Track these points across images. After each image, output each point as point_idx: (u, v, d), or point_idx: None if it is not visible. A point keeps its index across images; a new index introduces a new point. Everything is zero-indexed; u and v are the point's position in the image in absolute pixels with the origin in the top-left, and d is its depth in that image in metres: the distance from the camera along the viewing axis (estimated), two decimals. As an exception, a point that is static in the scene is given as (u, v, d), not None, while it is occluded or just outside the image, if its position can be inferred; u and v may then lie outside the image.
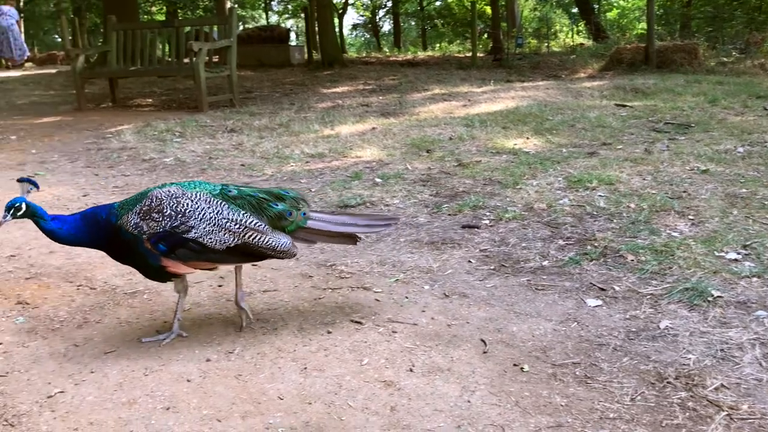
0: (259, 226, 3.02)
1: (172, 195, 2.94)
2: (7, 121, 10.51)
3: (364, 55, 26.73)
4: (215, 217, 2.94)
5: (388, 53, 26.43)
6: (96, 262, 4.13)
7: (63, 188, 6.07)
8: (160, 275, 3.06)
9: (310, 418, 2.48)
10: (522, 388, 2.63)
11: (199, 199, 2.97)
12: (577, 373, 2.72)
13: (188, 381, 2.76)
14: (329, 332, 3.14)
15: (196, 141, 8.02)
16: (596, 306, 3.33)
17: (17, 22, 21.80)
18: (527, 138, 7.25)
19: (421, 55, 23.69)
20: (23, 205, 2.88)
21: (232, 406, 2.57)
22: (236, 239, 2.97)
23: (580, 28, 28.17)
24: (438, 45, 34.16)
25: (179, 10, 33.03)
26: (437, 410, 2.50)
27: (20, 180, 2.97)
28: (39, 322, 3.36)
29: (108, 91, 12.73)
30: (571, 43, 24.49)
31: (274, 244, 3.06)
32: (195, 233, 2.91)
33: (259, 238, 3.02)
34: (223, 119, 9.58)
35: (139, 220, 2.89)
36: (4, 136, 9.13)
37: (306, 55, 20.49)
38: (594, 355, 2.85)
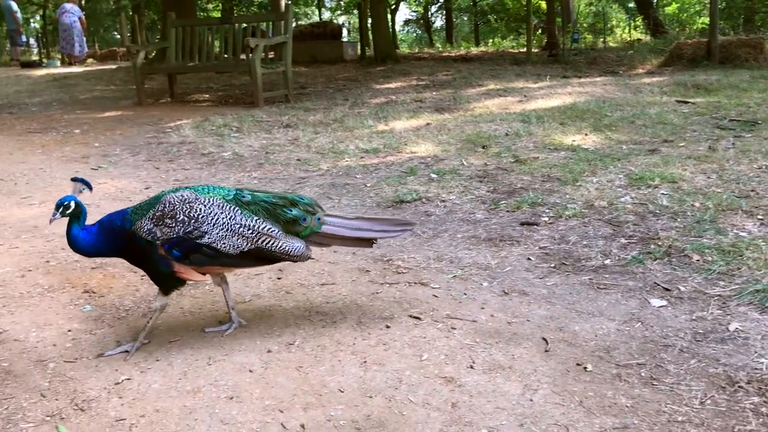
0: (272, 231, 3.00)
1: (185, 200, 2.92)
2: (71, 115, 10.84)
3: (416, 50, 26.66)
4: (228, 223, 2.92)
5: (440, 49, 26.29)
6: (159, 253, 4.22)
7: (126, 181, 6.22)
8: (171, 282, 3.01)
9: (371, 411, 2.49)
10: (586, 387, 2.58)
11: (213, 204, 2.95)
12: (643, 374, 2.66)
13: (250, 371, 2.80)
14: (388, 327, 3.15)
15: (253, 136, 8.12)
16: (661, 306, 3.24)
17: (80, 19, 22.53)
18: (586, 134, 7.12)
19: (474, 50, 23.49)
20: (72, 204, 2.90)
21: (294, 398, 2.60)
22: (249, 244, 2.95)
23: (638, 23, 27.48)
24: (491, 40, 33.80)
25: (234, 7, 33.54)
26: (499, 408, 2.47)
27: (74, 179, 2.99)
28: (105, 310, 3.46)
29: (166, 87, 13.00)
30: (629, 39, 23.93)
31: (287, 248, 3.03)
32: (208, 238, 2.89)
33: (273, 243, 2.99)
34: (278, 114, 9.68)
35: (152, 225, 2.87)
36: (69, 129, 9.42)
37: (359, 51, 20.55)
38: (660, 357, 2.78)
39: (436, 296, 3.47)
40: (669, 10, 31.90)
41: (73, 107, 11.93)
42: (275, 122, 9.01)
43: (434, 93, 11.03)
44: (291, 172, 6.30)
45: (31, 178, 6.48)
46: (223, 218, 2.92)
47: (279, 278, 3.80)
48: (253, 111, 10.20)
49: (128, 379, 2.77)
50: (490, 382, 2.65)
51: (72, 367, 2.88)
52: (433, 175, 5.67)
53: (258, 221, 2.99)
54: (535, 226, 4.37)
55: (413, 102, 10.15)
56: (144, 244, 2.88)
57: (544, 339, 2.98)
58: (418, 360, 2.84)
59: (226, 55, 11.72)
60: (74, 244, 2.94)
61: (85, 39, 23.82)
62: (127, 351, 2.99)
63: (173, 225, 2.86)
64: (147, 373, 2.81)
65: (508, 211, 4.69)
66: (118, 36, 39.03)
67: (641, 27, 26.16)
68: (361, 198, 5.27)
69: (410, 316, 3.25)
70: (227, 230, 2.91)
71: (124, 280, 3.83)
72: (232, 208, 2.97)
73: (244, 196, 3.08)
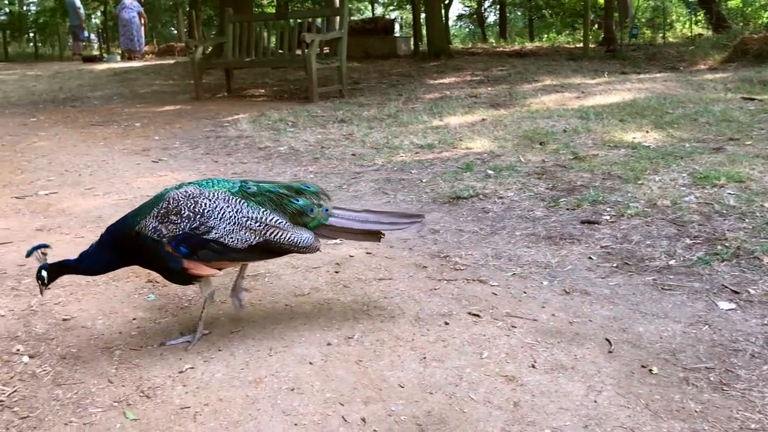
0: (279, 222, 2.96)
1: (190, 195, 2.86)
2: (131, 109, 11.11)
3: (469, 46, 26.47)
4: (235, 216, 2.87)
5: (494, 44, 26.04)
6: (219, 245, 4.28)
7: (185, 174, 6.34)
8: (183, 278, 2.97)
9: (432, 408, 2.48)
10: (652, 390, 2.52)
11: (217, 198, 2.90)
12: (712, 378, 2.58)
13: (310, 363, 2.82)
14: (447, 323, 3.13)
15: (308, 131, 8.19)
16: (729, 309, 3.14)
17: (139, 14, 23.08)
18: (647, 132, 6.95)
19: (529, 45, 23.19)
20: (44, 272, 2.91)
21: (354, 391, 2.61)
22: (257, 237, 2.90)
23: (699, 17, 26.69)
24: (545, 36, 33.31)
25: (289, 3, 33.84)
26: (562, 408, 2.43)
27: (28, 254, 2.92)
28: (168, 300, 3.53)
29: (223, 82, 13.21)
30: (689, 34, 23.26)
31: (295, 240, 2.99)
32: (215, 233, 2.84)
33: (281, 235, 2.95)
34: (332, 110, 9.73)
35: (157, 223, 2.81)
36: (129, 123, 9.66)
37: (412, 47, 20.51)
38: (729, 361, 2.70)
39: (495, 294, 3.43)
40: (732, 4, 30.86)
41: (133, 101, 12.23)
42: (330, 117, 9.06)
43: (489, 88, 10.93)
44: (346, 166, 6.33)
45: (95, 169, 6.67)
46: (229, 212, 2.87)
47: (336, 272, 3.82)
48: (308, 106, 10.28)
49: (192, 368, 2.82)
50: (552, 382, 2.61)
51: (137, 354, 2.95)
52: (490, 172, 5.62)
53: (265, 213, 2.94)
54: (596, 225, 4.28)
55: (468, 97, 10.08)
56: (150, 243, 2.82)
57: (608, 340, 2.92)
58: (478, 358, 2.82)
59: (281, 51, 11.83)
60: (85, 273, 3.02)
61: (143, 34, 24.42)
62: (188, 341, 3.05)
63: (178, 221, 2.81)
64: (210, 362, 2.86)
65: (568, 209, 4.61)
66: (175, 32, 39.82)
67: (703, 22, 25.41)
68: (417, 194, 5.26)
69: (469, 313, 3.22)
70: (234, 224, 2.86)
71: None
72: (238, 201, 2.92)
73: (249, 188, 3.03)
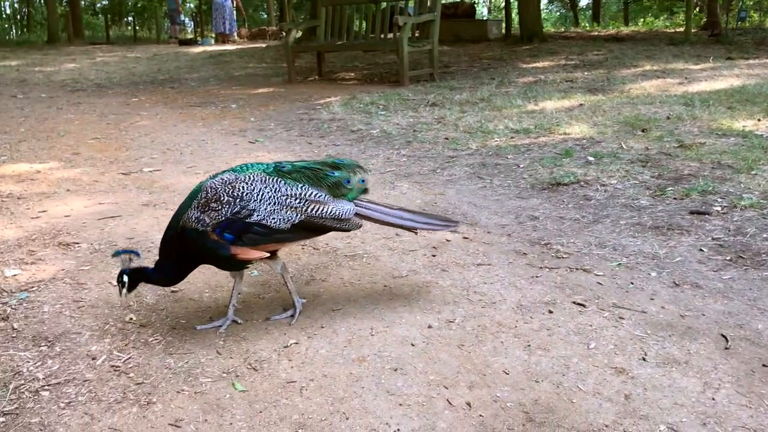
0: (319, 196, 2.93)
1: (226, 182, 2.84)
2: (227, 91, 11.40)
3: (562, 30, 25.77)
4: (274, 196, 2.85)
5: (587, 28, 25.25)
6: (316, 225, 4.34)
7: (281, 155, 6.45)
8: (234, 264, 2.95)
9: (539, 396, 2.43)
10: (776, 392, 2.38)
11: (254, 180, 2.87)
12: (842, 383, 2.42)
13: (412, 345, 2.81)
14: (551, 312, 3.05)
15: (400, 114, 8.17)
16: None
17: (233, -1, 23.63)
18: (758, 119, 6.57)
19: (625, 30, 22.35)
20: (125, 278, 2.87)
21: (458, 375, 2.58)
22: (299, 214, 2.87)
23: (813, -1, 25.03)
24: (642, 20, 32.04)
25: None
26: (677, 404, 2.33)
27: (115, 254, 2.94)
28: (271, 276, 3.60)
29: (313, 65, 13.36)
30: (801, 17, 21.84)
31: (337, 212, 2.95)
32: (258, 216, 2.82)
33: (322, 210, 2.92)
34: (424, 93, 9.68)
35: (199, 213, 2.80)
36: (226, 104, 9.90)
37: (503, 30, 20.14)
38: None
39: (600, 284, 3.32)
40: None
41: (229, 83, 12.54)
42: (421, 101, 9.01)
43: (585, 73, 10.61)
44: (439, 150, 6.27)
45: (195, 149, 6.87)
46: (268, 192, 2.85)
47: (434, 256, 3.79)
48: (399, 89, 10.27)
49: (296, 343, 2.87)
50: (665, 377, 2.51)
51: (243, 328, 3.02)
52: (591, 158, 5.45)
53: (303, 188, 2.91)
54: (707, 216, 4.08)
55: (563, 82, 9.81)
56: (195, 236, 2.80)
57: (723, 336, 2.78)
58: (585, 348, 2.74)
59: (372, 35, 11.84)
60: (160, 284, 3.07)
61: (236, 18, 25.01)
62: (291, 315, 3.10)
63: (219, 208, 2.79)
64: (313, 338, 2.90)
65: (675, 199, 4.42)
66: (266, 16, 40.58)
67: (817, 4, 23.79)
68: (514, 179, 5.16)
69: (574, 302, 3.13)
70: (275, 204, 2.84)
71: (285, 249, 3.96)
72: (275, 180, 2.89)
73: (283, 167, 3.01)
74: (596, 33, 20.66)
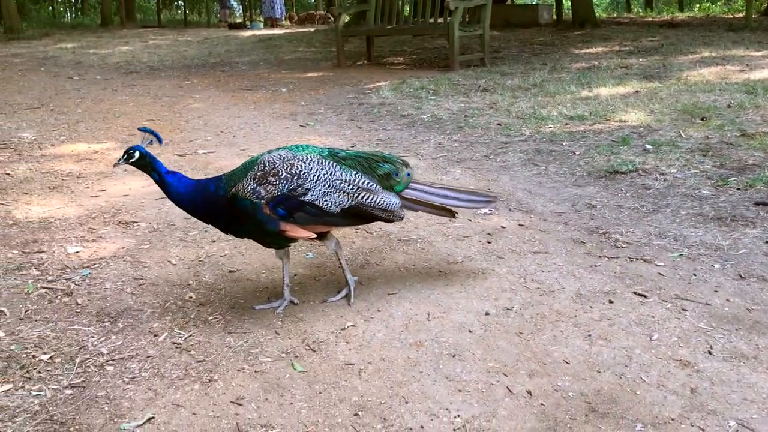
0: (370, 185, 2.94)
1: (285, 158, 2.84)
2: (277, 75, 11.47)
3: (614, 15, 25.20)
4: (329, 179, 2.85)
5: (640, 14, 24.64)
6: (370, 209, 4.34)
7: (332, 139, 6.46)
8: (279, 241, 2.96)
9: (601, 387, 2.39)
10: None
11: (312, 161, 2.87)
12: None
13: (470, 332, 2.79)
14: (611, 302, 3.00)
15: (450, 99, 8.11)
16: None
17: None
18: (826, 109, 6.32)
19: (680, 16, 21.76)
20: (137, 153, 2.85)
21: (517, 363, 2.56)
22: (350, 200, 2.88)
23: None
24: (697, 6, 31.14)
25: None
26: (747, 400, 2.27)
27: (142, 129, 2.94)
28: (326, 259, 3.61)
29: (362, 49, 13.33)
30: None
31: (385, 204, 2.97)
32: (311, 195, 2.81)
33: (372, 199, 2.93)
34: (474, 78, 9.58)
35: (255, 185, 2.78)
36: (276, 88, 9.97)
37: (554, 15, 19.79)
38: None
39: (661, 275, 3.25)
40: None
41: (278, 67, 12.62)
42: (472, 86, 8.92)
43: (640, 59, 10.34)
44: (492, 136, 6.21)
45: (247, 131, 6.94)
46: (324, 174, 2.85)
47: (489, 242, 3.76)
48: (449, 74, 10.18)
49: (353, 325, 2.88)
50: (733, 371, 2.44)
51: (300, 309, 3.05)
52: (649, 146, 5.32)
53: (357, 175, 2.93)
54: (773, 207, 3.95)
55: (618, 68, 9.59)
56: (248, 206, 2.79)
57: (794, 331, 2.69)
58: (648, 339, 2.68)
59: (422, 19, 11.74)
60: (168, 191, 2.92)
61: (284, 2, 25.14)
62: (346, 295, 3.11)
63: (276, 183, 2.79)
64: (370, 322, 2.90)
65: (738, 189, 4.28)
66: (313, 0, 40.63)
67: None
68: (570, 166, 5.07)
69: (635, 293, 3.07)
70: (329, 186, 2.84)
71: (339, 232, 3.97)
72: (331, 164, 2.90)
73: (338, 153, 3.02)
74: (650, 19, 20.16)
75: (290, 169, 2.82)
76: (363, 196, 2.92)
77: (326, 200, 2.84)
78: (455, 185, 3.50)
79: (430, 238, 3.83)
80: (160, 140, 2.95)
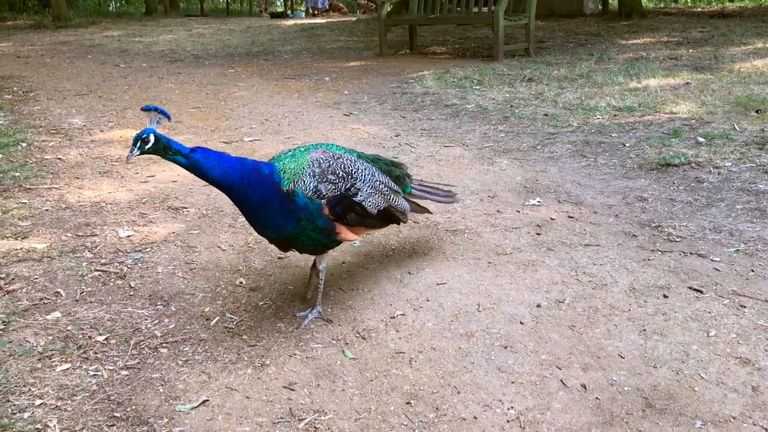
0: (396, 188, 2.97)
1: (335, 156, 2.71)
2: (320, 64, 11.48)
3: (662, 5, 24.65)
4: (371, 180, 2.79)
5: (689, 4, 24.05)
6: (416, 198, 4.32)
7: (376, 128, 6.45)
8: (327, 243, 2.74)
9: (658, 382, 2.34)
10: None
11: (355, 160, 2.77)
12: None
13: (521, 323, 2.76)
14: (665, 296, 2.93)
15: (495, 89, 8.02)
16: None
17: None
18: None
19: (731, 6, 21.17)
20: (151, 137, 2.44)
21: (571, 356, 2.52)
22: (385, 202, 2.84)
23: None
24: (748, -5, 30.18)
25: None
26: (812, 401, 2.20)
27: (146, 108, 2.53)
28: (373, 247, 3.61)
29: (404, 39, 13.25)
30: None
31: (404, 206, 3.00)
32: (361, 196, 2.72)
33: (398, 201, 2.94)
34: (519, 68, 9.46)
35: (316, 183, 2.59)
36: (319, 77, 9.98)
37: (600, 5, 19.42)
38: None
39: (717, 270, 3.17)
40: None
41: (321, 56, 12.63)
42: (516, 76, 8.81)
43: (690, 50, 10.09)
44: (538, 127, 6.12)
45: (292, 120, 6.96)
46: (368, 175, 2.79)
47: (538, 234, 3.71)
48: (493, 64, 10.07)
49: (402, 314, 2.87)
50: (796, 371, 2.37)
51: (349, 296, 3.05)
52: (701, 139, 5.18)
53: (387, 178, 2.94)
54: (835, 203, 3.82)
55: (667, 59, 9.37)
56: (308, 204, 2.58)
57: None
58: (705, 335, 2.62)
59: (465, 8, 11.62)
60: (198, 167, 2.52)
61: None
62: (305, 317, 2.84)
63: (336, 181, 2.65)
64: (420, 311, 2.89)
65: (797, 184, 4.16)
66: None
67: None
68: (620, 158, 4.97)
69: (690, 288, 3.00)
70: (372, 187, 2.78)
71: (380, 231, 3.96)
72: (367, 165, 2.84)
73: (362, 154, 2.96)
74: (699, 9, 19.64)
75: (345, 167, 2.71)
76: (393, 198, 2.93)
77: (370, 201, 2.79)
78: (431, 182, 3.53)
79: (478, 229, 3.80)
80: (168, 117, 2.57)
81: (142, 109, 2.55)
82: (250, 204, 2.58)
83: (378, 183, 2.84)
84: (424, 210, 3.32)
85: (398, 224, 3.10)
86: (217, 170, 2.52)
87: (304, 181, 2.59)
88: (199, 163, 2.51)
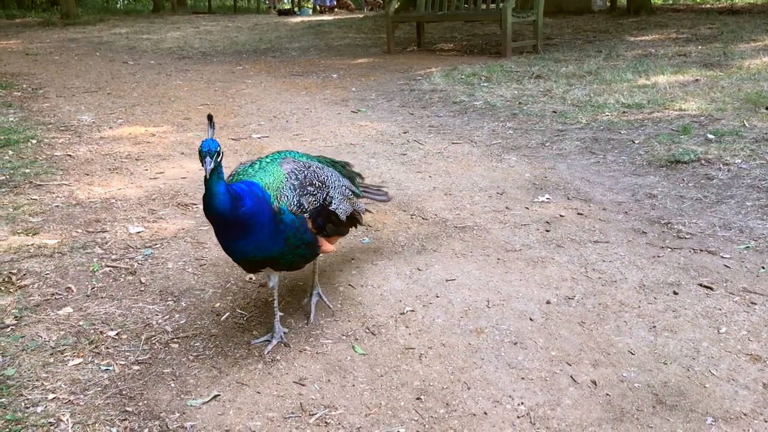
0: (355, 190, 2.89)
1: (307, 166, 2.56)
2: (327, 61, 11.49)
3: (670, 2, 24.53)
4: (339, 185, 2.67)
5: (698, 1, 23.93)
6: (424, 195, 4.33)
7: (384, 125, 6.45)
8: (311, 257, 2.58)
9: (668, 379, 2.34)
10: None
11: (321, 167, 2.64)
12: None
13: (531, 320, 2.77)
14: (675, 293, 2.93)
15: (503, 86, 8.00)
16: None
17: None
18: None
19: (740, 2, 21.06)
20: (220, 149, 2.24)
21: (581, 353, 2.52)
22: (351, 206, 2.75)
23: None
24: (758, -9, 29.97)
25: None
26: (823, 398, 2.19)
27: (210, 118, 2.40)
28: (382, 244, 3.61)
29: (411, 36, 13.24)
30: None
31: (363, 208, 2.96)
32: (334, 204, 2.61)
33: (359, 204, 2.90)
34: (527, 65, 9.44)
35: (298, 197, 2.43)
36: (327, 74, 9.99)
37: (607, 2, 19.35)
38: None
39: (727, 267, 3.16)
40: None
41: (328, 53, 12.64)
42: (525, 73, 8.79)
43: (699, 47, 10.05)
44: (547, 123, 6.11)
45: (300, 117, 6.97)
46: (335, 181, 2.67)
47: (547, 231, 3.71)
48: (501, 61, 10.05)
49: (412, 310, 2.88)
50: (807, 368, 2.36)
51: (359, 293, 3.06)
52: (711, 136, 5.17)
53: (348, 181, 2.84)
54: None
55: (676, 56, 9.33)
56: (292, 220, 2.40)
57: None
58: (715, 332, 2.61)
59: (474, 5, 11.61)
60: (223, 204, 2.25)
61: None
62: (268, 341, 2.64)
63: (315, 192, 2.51)
64: (429, 307, 2.90)
65: (808, 181, 4.14)
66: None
67: None
68: (629, 155, 4.96)
69: (700, 285, 2.99)
70: (341, 194, 2.67)
71: (395, 218, 3.98)
72: (333, 170, 2.74)
73: (320, 158, 2.86)
74: (708, 6, 19.55)
75: (318, 176, 2.57)
76: (355, 201, 2.85)
77: (341, 208, 2.67)
78: (370, 182, 3.56)
79: (487, 225, 3.80)
80: (210, 119, 2.40)
81: (208, 118, 2.39)
82: (253, 232, 2.33)
83: (344, 188, 2.74)
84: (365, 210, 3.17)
85: (356, 227, 2.97)
86: (247, 209, 2.30)
87: (287, 196, 2.42)
88: (224, 202, 2.25)
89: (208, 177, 2.19)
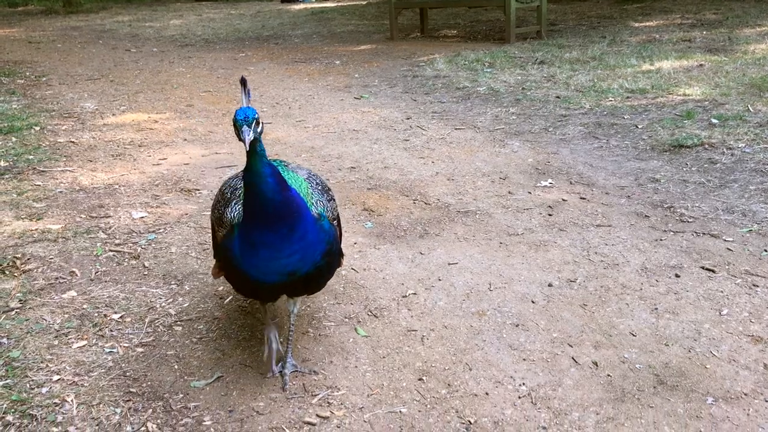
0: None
1: (308, 170, 2.42)
2: (330, 47, 11.45)
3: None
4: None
5: (703, -14, 23.73)
6: (427, 180, 4.33)
7: (387, 111, 6.44)
8: (333, 272, 2.29)
9: (669, 360, 2.35)
10: None
11: (310, 171, 2.44)
12: None
13: (533, 302, 2.77)
14: (677, 276, 2.93)
15: (507, 72, 7.98)
16: None
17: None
18: None
19: (745, -13, 20.88)
20: (262, 122, 2.00)
21: (582, 334, 2.53)
22: (331, 212, 2.38)
23: None
24: (763, -23, 29.72)
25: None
26: (824, 378, 2.20)
27: (243, 81, 2.13)
28: (385, 228, 3.62)
29: (414, 22, 13.17)
30: None
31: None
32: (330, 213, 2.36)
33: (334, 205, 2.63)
34: (531, 51, 9.39)
35: (327, 201, 2.24)
36: (330, 60, 9.96)
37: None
38: None
39: (730, 250, 3.16)
40: None
41: (331, 40, 12.59)
42: (528, 58, 8.76)
43: (704, 32, 9.99)
44: (550, 109, 6.09)
45: (302, 103, 6.96)
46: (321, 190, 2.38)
47: (550, 215, 3.71)
48: (504, 47, 10.01)
49: (414, 293, 2.89)
50: (808, 349, 2.37)
51: (361, 276, 3.06)
52: (714, 120, 5.15)
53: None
54: None
55: (680, 41, 9.28)
56: (331, 227, 2.19)
57: None
58: (717, 314, 2.62)
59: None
60: (271, 188, 1.98)
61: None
62: (281, 373, 2.33)
63: (333, 198, 2.38)
64: (431, 290, 2.90)
65: (812, 165, 4.13)
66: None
67: None
68: (632, 140, 4.95)
69: (702, 267, 3.00)
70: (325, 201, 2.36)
71: (398, 202, 3.98)
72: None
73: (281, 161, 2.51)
74: (714, -10, 19.37)
75: (320, 180, 2.40)
76: (334, 207, 2.50)
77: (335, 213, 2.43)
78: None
79: (489, 210, 3.80)
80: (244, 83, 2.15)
81: (241, 82, 2.13)
82: (298, 233, 2.02)
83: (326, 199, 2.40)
84: None
85: None
86: (296, 193, 2.06)
87: (322, 202, 2.18)
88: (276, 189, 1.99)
89: (248, 149, 1.89)
